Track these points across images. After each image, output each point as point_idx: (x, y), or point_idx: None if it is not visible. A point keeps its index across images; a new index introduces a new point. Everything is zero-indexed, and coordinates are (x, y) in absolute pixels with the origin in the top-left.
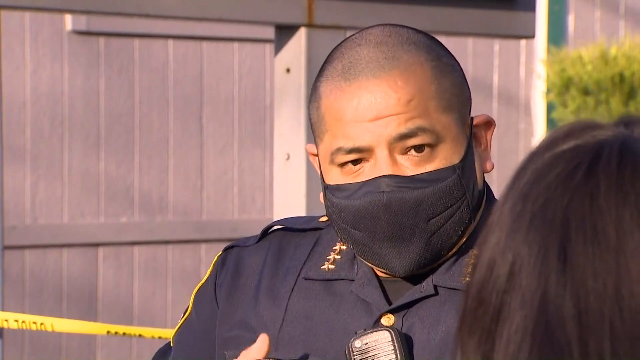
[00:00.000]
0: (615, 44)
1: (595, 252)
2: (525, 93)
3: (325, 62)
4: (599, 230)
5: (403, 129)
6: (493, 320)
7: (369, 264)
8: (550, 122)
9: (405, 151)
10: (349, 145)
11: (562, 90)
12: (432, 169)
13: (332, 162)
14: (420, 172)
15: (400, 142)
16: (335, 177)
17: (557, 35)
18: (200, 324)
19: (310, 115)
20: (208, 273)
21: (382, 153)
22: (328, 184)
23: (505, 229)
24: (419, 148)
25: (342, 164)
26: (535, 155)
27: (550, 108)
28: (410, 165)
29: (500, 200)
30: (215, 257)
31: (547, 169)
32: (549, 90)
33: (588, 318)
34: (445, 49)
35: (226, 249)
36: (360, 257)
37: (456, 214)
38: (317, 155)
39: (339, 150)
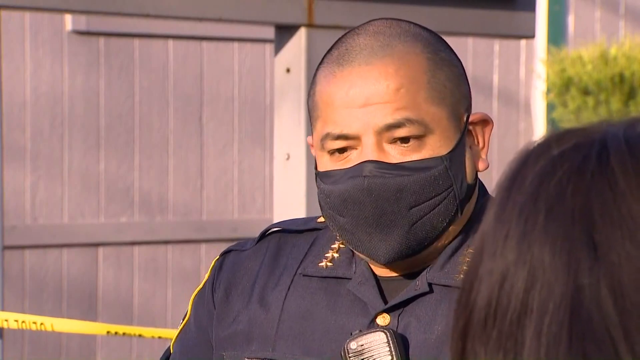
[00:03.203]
0: (615, 44)
1: (625, 235)
2: (525, 93)
3: (327, 51)
4: (624, 213)
5: (390, 119)
6: (513, 323)
7: (361, 256)
8: (550, 122)
9: (393, 141)
10: (337, 131)
11: (562, 90)
12: (418, 158)
13: (322, 148)
14: (405, 161)
15: (387, 132)
16: (325, 163)
17: (557, 35)
18: (198, 330)
19: (307, 104)
20: (206, 278)
21: (368, 140)
22: (318, 171)
23: (515, 234)
24: (405, 140)
25: (331, 152)
26: (526, 163)
27: (550, 108)
28: (396, 154)
29: (494, 212)
30: (213, 262)
31: (551, 168)
32: (549, 90)
33: (626, 302)
34: (447, 45)
35: (223, 253)
36: (347, 244)
37: (441, 205)
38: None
39: (327, 135)
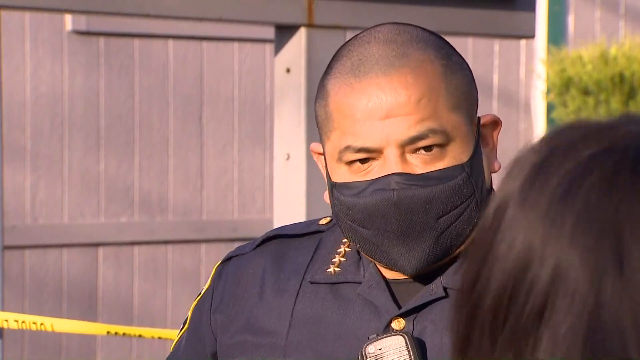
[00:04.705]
0: (615, 44)
1: None
2: (525, 93)
3: (333, 60)
4: None
5: (413, 132)
6: (529, 319)
7: (376, 263)
8: (550, 122)
9: (415, 151)
10: (359, 144)
11: (562, 90)
12: (441, 167)
13: (339, 160)
14: (429, 170)
15: (410, 144)
16: (342, 175)
17: (557, 35)
18: (195, 338)
19: (316, 113)
20: (206, 287)
21: (391, 152)
22: (335, 182)
23: (539, 232)
24: (428, 148)
25: (350, 162)
26: (549, 161)
27: (550, 108)
28: (419, 164)
29: (514, 209)
30: (213, 270)
31: (581, 172)
32: (549, 90)
33: None
34: (453, 48)
35: (224, 261)
36: (368, 255)
37: (465, 213)
38: (322, 154)
39: (347, 148)
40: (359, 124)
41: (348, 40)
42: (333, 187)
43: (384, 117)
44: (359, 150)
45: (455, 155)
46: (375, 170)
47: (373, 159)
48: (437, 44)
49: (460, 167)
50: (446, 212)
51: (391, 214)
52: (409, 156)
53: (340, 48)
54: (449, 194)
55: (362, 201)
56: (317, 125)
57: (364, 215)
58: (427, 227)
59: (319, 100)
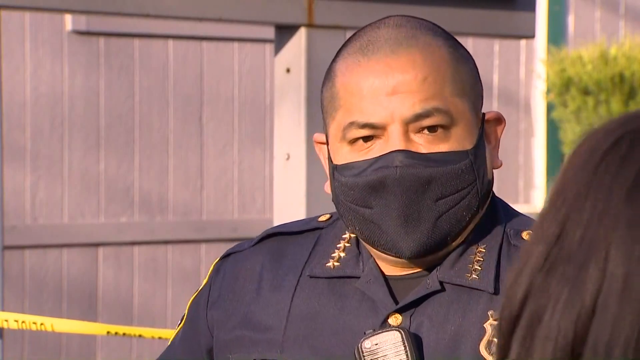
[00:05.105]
0: (615, 44)
1: None
2: (525, 93)
3: (342, 46)
4: None
5: (418, 109)
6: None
7: (375, 258)
8: (550, 122)
9: (419, 130)
10: (364, 119)
11: (562, 90)
12: (445, 150)
13: (343, 138)
14: (433, 151)
15: (414, 122)
16: (344, 155)
17: (557, 35)
18: (191, 333)
19: (322, 98)
20: (204, 283)
21: (395, 129)
22: (337, 165)
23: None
24: (432, 128)
25: (353, 141)
26: (635, 148)
27: (550, 108)
28: (423, 143)
29: (622, 196)
30: (212, 266)
31: None
32: (549, 90)
33: None
34: (461, 44)
35: (222, 258)
36: (367, 240)
37: (465, 199)
38: (324, 143)
39: (352, 124)
40: (365, 100)
41: (358, 30)
42: (334, 170)
43: (390, 93)
44: (364, 126)
45: (458, 140)
46: (377, 148)
47: (376, 137)
48: (445, 35)
49: (464, 152)
50: (446, 194)
51: (393, 191)
52: (412, 135)
53: (350, 36)
54: (450, 176)
55: (363, 180)
56: (322, 111)
57: (365, 193)
58: (425, 207)
59: (325, 84)
